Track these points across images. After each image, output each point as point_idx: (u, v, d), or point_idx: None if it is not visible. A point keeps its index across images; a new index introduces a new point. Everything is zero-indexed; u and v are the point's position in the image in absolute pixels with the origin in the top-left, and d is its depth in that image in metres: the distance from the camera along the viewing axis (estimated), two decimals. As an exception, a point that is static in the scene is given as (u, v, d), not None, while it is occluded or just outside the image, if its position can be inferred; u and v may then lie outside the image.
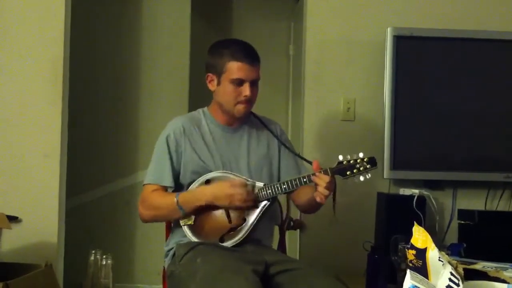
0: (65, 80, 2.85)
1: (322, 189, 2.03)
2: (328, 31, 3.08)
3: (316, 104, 3.06)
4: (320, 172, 2.06)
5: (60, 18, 2.82)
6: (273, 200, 2.14)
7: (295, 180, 2.09)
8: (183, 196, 2.11)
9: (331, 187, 2.05)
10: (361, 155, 2.11)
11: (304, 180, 2.09)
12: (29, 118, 2.82)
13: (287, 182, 2.10)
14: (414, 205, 2.76)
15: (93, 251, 2.16)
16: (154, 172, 2.20)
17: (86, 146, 3.60)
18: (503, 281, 1.71)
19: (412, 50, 2.96)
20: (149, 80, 3.76)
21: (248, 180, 2.14)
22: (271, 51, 4.21)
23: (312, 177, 2.07)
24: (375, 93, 2.98)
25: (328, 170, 2.07)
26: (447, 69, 2.98)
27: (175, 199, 2.09)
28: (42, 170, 2.79)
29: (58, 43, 2.82)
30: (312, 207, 2.24)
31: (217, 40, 2.27)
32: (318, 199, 2.05)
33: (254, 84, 2.17)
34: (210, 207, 2.11)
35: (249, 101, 2.18)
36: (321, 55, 3.07)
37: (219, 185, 2.10)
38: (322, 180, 2.03)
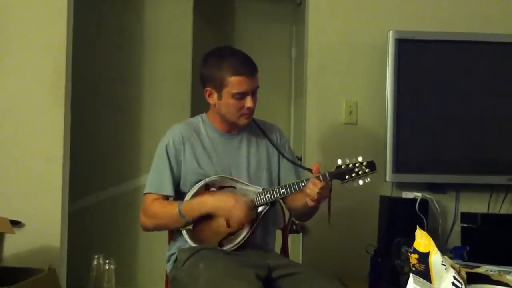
0: (67, 83, 2.85)
1: (313, 194, 2.02)
2: (329, 34, 3.08)
3: (318, 108, 3.06)
4: (318, 177, 2.05)
5: (62, 21, 2.82)
6: (272, 204, 2.13)
7: (293, 184, 2.09)
8: (185, 205, 2.11)
9: (325, 193, 2.04)
10: (360, 159, 2.10)
11: (303, 184, 2.08)
12: (32, 122, 2.82)
13: (285, 186, 2.10)
14: (416, 208, 2.75)
15: (96, 256, 2.15)
16: (154, 181, 2.19)
17: (89, 149, 3.60)
18: (506, 285, 1.72)
19: (414, 53, 2.96)
20: (151, 83, 3.76)
21: (246, 184, 2.14)
22: (273, 54, 4.21)
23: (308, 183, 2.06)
24: (377, 96, 2.97)
25: (327, 174, 2.07)
26: (449, 72, 2.98)
27: (177, 209, 2.10)
28: (44, 174, 2.79)
29: (61, 46, 2.82)
30: (306, 213, 2.23)
31: (212, 49, 2.23)
32: (308, 202, 2.04)
33: (254, 93, 2.16)
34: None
35: (252, 112, 2.18)
36: (323, 58, 3.07)
37: (223, 198, 2.09)
38: (315, 186, 2.02)
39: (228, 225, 2.10)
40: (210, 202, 2.09)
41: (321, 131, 3.05)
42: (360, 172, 2.08)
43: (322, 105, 3.06)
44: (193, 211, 2.10)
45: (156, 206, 2.15)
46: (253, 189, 2.13)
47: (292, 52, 4.21)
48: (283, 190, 2.10)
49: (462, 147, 2.96)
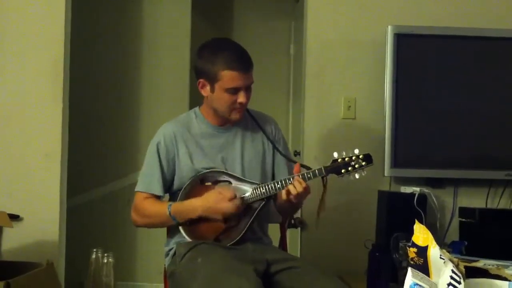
0: (65, 79, 2.85)
1: (294, 191, 2.02)
2: (328, 30, 3.07)
3: (316, 103, 3.06)
4: (314, 172, 2.06)
5: (60, 18, 2.83)
6: (267, 199, 2.11)
7: (289, 179, 2.07)
8: (175, 207, 2.10)
9: (304, 193, 2.04)
10: (356, 151, 2.10)
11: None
12: (30, 118, 2.82)
13: (280, 181, 2.08)
14: (415, 203, 2.75)
15: (94, 250, 2.16)
16: (144, 180, 2.19)
17: (87, 145, 3.61)
18: (505, 279, 1.72)
19: (412, 48, 2.95)
20: (150, 79, 3.76)
21: (242, 179, 2.13)
22: (271, 51, 4.22)
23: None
24: (376, 91, 2.97)
25: (323, 168, 2.07)
26: (448, 67, 2.97)
27: (168, 211, 2.09)
28: (43, 169, 2.80)
29: (59, 42, 2.82)
30: (285, 210, 2.24)
31: (207, 41, 2.19)
32: (282, 195, 2.05)
33: (248, 88, 2.13)
34: None
35: (244, 107, 2.16)
36: (322, 54, 3.07)
37: (208, 199, 2.07)
38: (300, 184, 2.03)
39: (224, 221, 2.09)
40: (199, 207, 2.07)
41: (319, 127, 3.04)
42: (356, 166, 2.07)
43: (320, 101, 3.06)
44: (183, 215, 2.10)
45: (147, 206, 2.15)
46: (249, 184, 2.12)
47: (290, 48, 4.22)
48: (278, 185, 2.08)
49: (460, 142, 2.96)
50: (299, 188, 2.02)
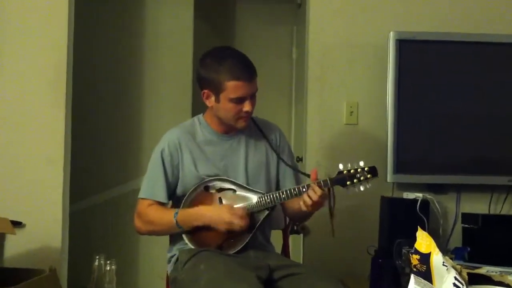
0: (68, 84, 2.85)
1: (309, 201, 2.02)
2: (330, 35, 3.08)
3: (319, 108, 3.06)
4: (319, 183, 2.05)
5: (63, 22, 2.82)
6: (272, 208, 2.12)
7: (294, 189, 2.08)
8: (181, 215, 2.10)
9: (322, 201, 2.04)
10: (361, 163, 2.10)
11: (304, 190, 2.07)
12: (33, 123, 2.82)
13: (285, 191, 2.09)
14: (417, 209, 2.75)
15: (97, 256, 2.15)
16: (148, 187, 2.19)
17: (90, 150, 3.60)
18: (508, 286, 1.72)
19: (414, 54, 2.96)
20: (152, 84, 3.76)
21: (246, 187, 2.14)
22: (273, 55, 4.21)
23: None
24: (378, 96, 2.97)
25: (328, 180, 2.06)
26: (450, 72, 2.98)
27: (174, 219, 2.09)
28: (45, 174, 2.79)
29: (61, 47, 2.82)
30: (301, 216, 2.24)
31: (209, 50, 2.17)
32: (301, 207, 2.05)
33: (253, 96, 2.13)
34: None
35: (250, 115, 2.16)
36: (324, 58, 3.07)
37: (218, 210, 2.08)
38: (315, 194, 2.02)
39: (228, 232, 2.10)
40: (207, 215, 2.08)
41: (322, 132, 3.05)
42: (361, 178, 2.07)
43: (323, 106, 3.06)
44: (189, 222, 2.10)
45: (152, 213, 2.15)
46: (253, 193, 2.12)
47: (293, 53, 4.21)
48: (283, 196, 2.09)
49: (463, 148, 2.96)
50: (315, 197, 2.02)
